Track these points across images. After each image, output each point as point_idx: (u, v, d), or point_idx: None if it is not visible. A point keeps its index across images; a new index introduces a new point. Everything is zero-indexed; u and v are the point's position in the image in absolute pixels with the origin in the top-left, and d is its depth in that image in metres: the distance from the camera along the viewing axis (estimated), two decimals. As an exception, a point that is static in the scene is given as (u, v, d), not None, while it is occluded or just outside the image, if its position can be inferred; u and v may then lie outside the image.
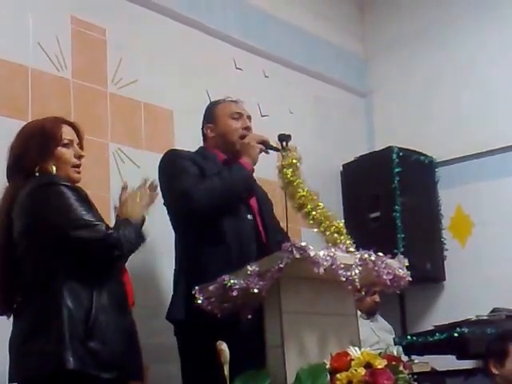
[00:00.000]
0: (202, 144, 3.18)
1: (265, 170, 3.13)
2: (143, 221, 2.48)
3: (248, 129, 3.08)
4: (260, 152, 3.00)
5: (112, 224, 2.42)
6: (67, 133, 2.44)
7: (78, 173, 2.46)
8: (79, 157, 2.46)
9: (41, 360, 2.19)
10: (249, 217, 2.96)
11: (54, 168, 2.38)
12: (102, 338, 2.23)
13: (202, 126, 3.18)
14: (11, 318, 2.37)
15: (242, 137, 3.04)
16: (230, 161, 3.02)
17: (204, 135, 3.17)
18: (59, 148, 2.41)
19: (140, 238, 2.41)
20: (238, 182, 2.91)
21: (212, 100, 3.41)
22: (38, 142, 2.37)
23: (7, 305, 2.35)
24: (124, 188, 2.59)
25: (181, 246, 2.96)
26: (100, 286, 2.29)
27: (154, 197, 2.58)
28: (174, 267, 2.97)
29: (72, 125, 2.50)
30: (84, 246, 2.26)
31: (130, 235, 2.33)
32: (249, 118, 3.14)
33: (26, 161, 2.36)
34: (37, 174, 2.35)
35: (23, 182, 2.33)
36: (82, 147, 2.50)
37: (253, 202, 3.04)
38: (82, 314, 2.23)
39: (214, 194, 2.82)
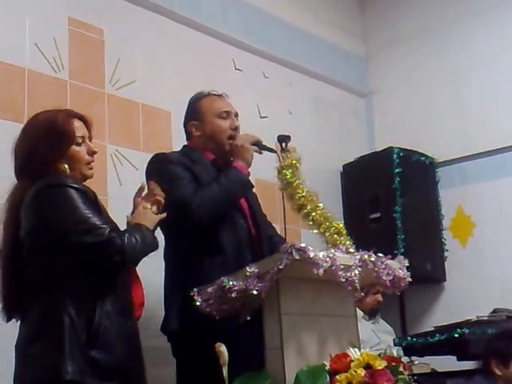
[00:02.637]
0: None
1: (263, 170, 3.11)
2: (155, 228, 2.43)
3: (236, 129, 2.98)
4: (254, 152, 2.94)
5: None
6: (79, 129, 2.36)
7: (91, 169, 2.39)
8: (92, 153, 2.39)
9: (39, 369, 2.13)
10: (242, 222, 2.89)
11: (67, 167, 2.31)
12: (104, 346, 2.17)
13: (186, 123, 3.04)
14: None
15: (231, 137, 2.95)
16: (218, 161, 2.95)
17: (188, 132, 3.04)
18: (73, 147, 2.33)
19: (150, 245, 2.34)
20: (236, 187, 2.84)
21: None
22: (52, 142, 2.29)
23: (14, 307, 2.28)
24: (141, 189, 2.51)
25: (174, 256, 2.86)
26: (104, 290, 2.23)
27: (160, 201, 2.49)
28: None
29: (82, 118, 2.41)
30: (85, 251, 2.20)
31: (136, 240, 2.24)
32: (236, 115, 3.02)
33: (37, 160, 2.28)
34: (49, 173, 2.27)
35: (33, 182, 2.26)
36: (91, 138, 2.42)
37: (242, 202, 2.96)
38: (84, 321, 2.15)
39: (213, 202, 2.75)
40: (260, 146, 2.96)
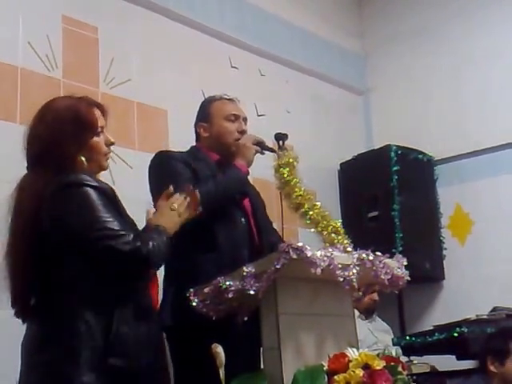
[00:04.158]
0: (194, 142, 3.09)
1: (261, 169, 3.09)
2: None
3: (243, 132, 3.00)
4: (255, 153, 2.94)
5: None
6: (99, 118, 2.26)
7: (107, 160, 2.30)
8: (111, 144, 2.28)
9: (51, 378, 2.02)
10: (242, 220, 2.90)
11: (84, 159, 2.19)
12: (122, 352, 2.05)
13: (196, 124, 3.08)
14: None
15: (237, 140, 2.97)
16: (223, 162, 2.95)
17: (197, 133, 3.08)
18: (94, 138, 2.22)
19: (167, 249, 2.20)
20: (233, 186, 2.85)
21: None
22: (76, 133, 2.17)
23: (28, 308, 2.16)
24: (168, 194, 2.38)
25: (170, 251, 2.88)
26: (123, 295, 2.11)
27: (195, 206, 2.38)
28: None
29: (98, 105, 2.30)
30: (110, 258, 2.06)
31: (159, 247, 2.13)
32: (245, 120, 3.05)
33: (57, 151, 2.14)
34: (67, 165, 2.15)
35: (52, 174, 2.13)
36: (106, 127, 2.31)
37: (246, 202, 2.98)
38: (101, 327, 2.05)
39: (208, 199, 2.72)
40: (262, 147, 2.96)
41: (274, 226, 3.24)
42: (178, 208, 2.31)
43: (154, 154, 3.04)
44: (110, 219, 2.08)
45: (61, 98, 2.32)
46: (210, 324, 2.47)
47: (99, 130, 2.25)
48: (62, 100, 2.29)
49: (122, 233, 2.07)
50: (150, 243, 2.10)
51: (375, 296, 4.15)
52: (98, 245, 2.05)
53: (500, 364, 3.36)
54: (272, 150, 2.96)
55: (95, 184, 2.14)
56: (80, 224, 2.07)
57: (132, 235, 2.09)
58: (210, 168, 2.91)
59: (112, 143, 2.30)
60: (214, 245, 2.79)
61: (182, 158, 2.90)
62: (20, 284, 2.15)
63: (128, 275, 2.12)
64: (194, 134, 3.10)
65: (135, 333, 2.10)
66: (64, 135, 2.17)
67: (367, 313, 4.22)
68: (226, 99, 3.07)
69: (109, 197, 2.17)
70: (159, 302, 2.42)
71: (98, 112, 2.28)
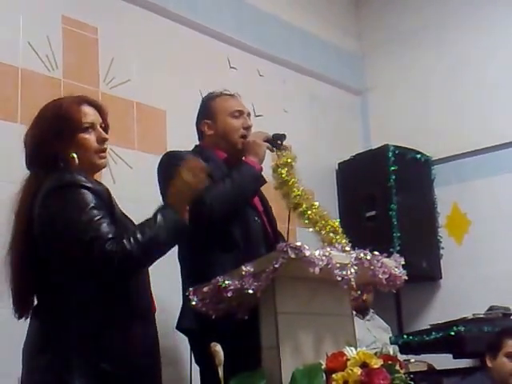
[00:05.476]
0: (197, 141, 3.05)
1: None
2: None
3: (249, 128, 2.96)
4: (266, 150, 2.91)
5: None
6: (88, 115, 2.21)
7: (103, 158, 2.24)
8: (103, 141, 2.22)
9: (45, 380, 2.03)
10: (256, 219, 2.86)
11: (75, 156, 2.16)
12: (114, 357, 2.05)
13: (198, 122, 3.03)
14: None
15: (243, 136, 2.93)
16: (231, 160, 2.91)
17: (200, 132, 3.02)
18: (80, 134, 2.18)
19: (171, 232, 2.11)
20: (249, 183, 2.80)
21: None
22: (56, 128, 2.15)
23: (25, 307, 2.17)
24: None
25: (187, 253, 2.80)
26: (116, 299, 2.10)
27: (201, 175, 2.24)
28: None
29: (93, 103, 2.26)
30: (83, 265, 2.05)
31: (148, 238, 2.05)
32: (249, 115, 3.01)
33: (44, 149, 2.15)
34: (60, 164, 2.15)
35: (46, 174, 2.13)
36: (106, 126, 2.27)
37: (256, 201, 2.93)
38: (94, 330, 2.04)
39: (226, 198, 2.71)
40: (272, 143, 2.93)
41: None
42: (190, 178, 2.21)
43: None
44: (99, 221, 2.05)
45: (57, 98, 2.31)
46: (233, 325, 2.46)
47: (86, 125, 2.20)
48: (54, 100, 2.29)
49: (100, 233, 2.02)
50: (131, 239, 2.03)
51: (364, 296, 4.15)
52: (81, 248, 2.03)
53: (494, 359, 3.46)
54: (283, 147, 2.92)
55: (89, 185, 2.12)
56: (70, 225, 2.06)
57: (110, 236, 2.02)
58: (219, 167, 2.86)
59: (104, 139, 2.24)
60: (232, 245, 2.75)
61: (191, 156, 2.80)
62: (20, 284, 2.16)
63: (111, 277, 2.07)
64: (197, 133, 3.04)
65: (128, 336, 2.09)
66: (47, 132, 2.17)
67: (359, 312, 4.23)
68: (227, 95, 3.03)
69: (103, 198, 2.15)
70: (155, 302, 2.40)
71: (88, 109, 2.24)
